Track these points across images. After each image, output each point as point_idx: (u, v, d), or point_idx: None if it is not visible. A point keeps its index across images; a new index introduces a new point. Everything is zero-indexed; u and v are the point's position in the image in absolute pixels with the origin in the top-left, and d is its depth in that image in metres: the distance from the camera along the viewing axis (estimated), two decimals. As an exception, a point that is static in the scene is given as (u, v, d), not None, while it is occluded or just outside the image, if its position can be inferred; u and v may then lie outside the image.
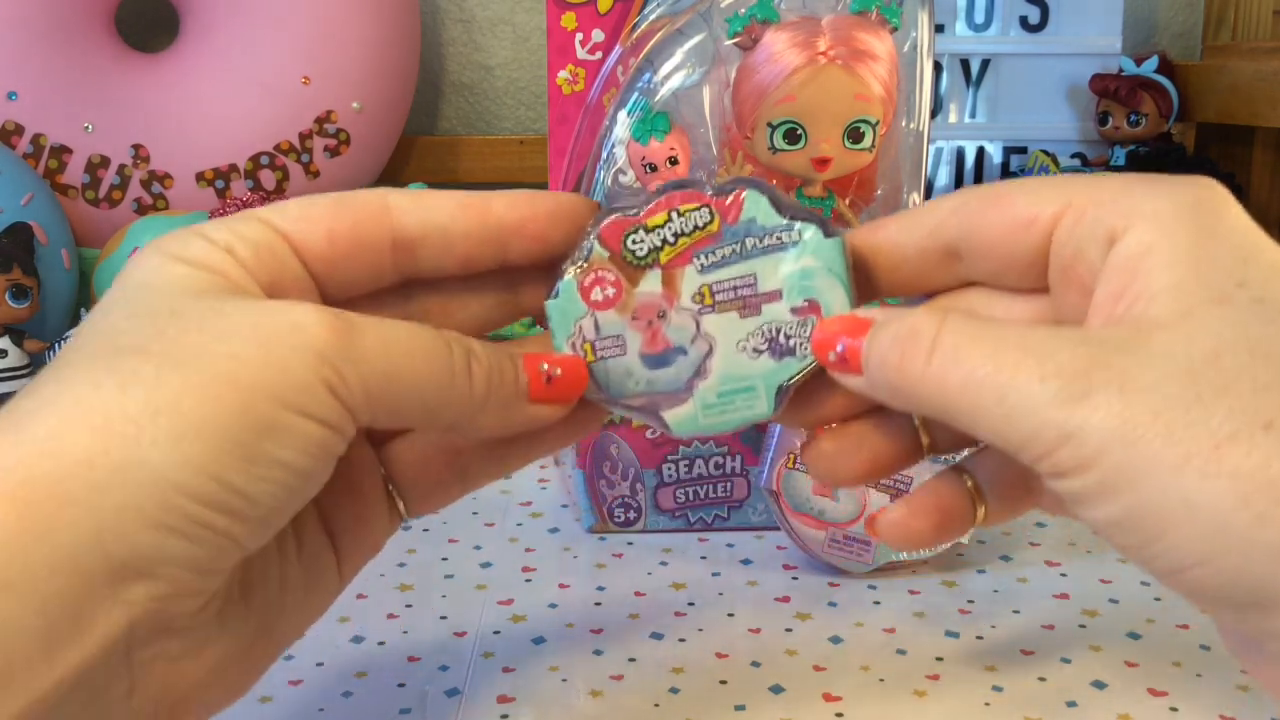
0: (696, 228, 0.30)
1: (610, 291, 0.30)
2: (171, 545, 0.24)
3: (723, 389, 0.31)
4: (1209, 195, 0.26)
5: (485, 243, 0.30)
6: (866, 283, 0.30)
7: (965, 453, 0.31)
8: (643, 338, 0.31)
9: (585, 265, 0.30)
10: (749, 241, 0.30)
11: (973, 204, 0.28)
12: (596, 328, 0.31)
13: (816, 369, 0.30)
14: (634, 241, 0.30)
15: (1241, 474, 0.22)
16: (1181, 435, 0.22)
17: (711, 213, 0.30)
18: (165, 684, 0.25)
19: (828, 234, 0.30)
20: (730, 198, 0.30)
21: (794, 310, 0.30)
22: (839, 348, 0.28)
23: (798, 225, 0.30)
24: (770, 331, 0.30)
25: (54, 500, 0.22)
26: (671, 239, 0.30)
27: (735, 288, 0.30)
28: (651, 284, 0.30)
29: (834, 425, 0.31)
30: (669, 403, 0.31)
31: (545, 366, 0.30)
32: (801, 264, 0.30)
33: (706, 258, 0.30)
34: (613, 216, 0.30)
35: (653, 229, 0.30)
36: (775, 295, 0.30)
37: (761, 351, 0.30)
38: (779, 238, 0.30)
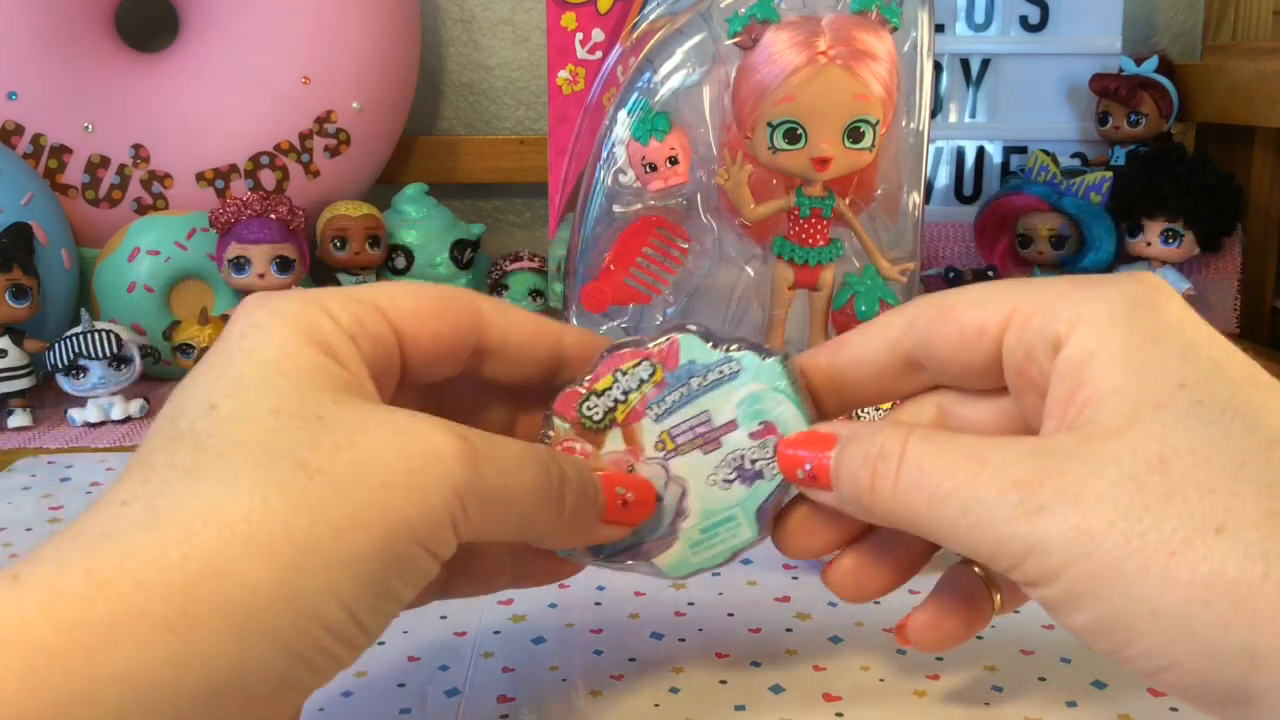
0: (642, 381, 0.32)
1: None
2: (298, 674, 0.24)
3: (705, 524, 0.32)
4: (1147, 294, 0.26)
5: (547, 369, 0.31)
6: (837, 400, 0.31)
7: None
8: None
9: (551, 439, 0.32)
10: (693, 382, 0.32)
11: (923, 318, 0.29)
12: None
13: (785, 483, 0.31)
14: (589, 408, 0.32)
15: (1198, 580, 0.22)
16: (1137, 544, 0.23)
17: (652, 365, 0.32)
18: None
19: (764, 356, 0.31)
20: (666, 346, 0.32)
21: (752, 435, 0.31)
22: (807, 467, 0.29)
23: (734, 355, 0.31)
24: (735, 460, 0.32)
25: (214, 628, 0.22)
26: (622, 397, 0.32)
27: (692, 428, 0.32)
28: (615, 443, 0.32)
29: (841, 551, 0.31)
30: (658, 549, 0.32)
31: (621, 490, 0.31)
32: (748, 390, 0.31)
33: (658, 407, 0.32)
34: (564, 390, 0.32)
35: (602, 393, 0.32)
36: (731, 425, 0.31)
37: (732, 481, 0.32)
38: (720, 371, 0.32)
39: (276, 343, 0.26)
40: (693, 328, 0.32)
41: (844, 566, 0.31)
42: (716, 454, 0.32)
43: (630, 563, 0.33)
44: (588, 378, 0.32)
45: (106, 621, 0.21)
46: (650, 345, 0.32)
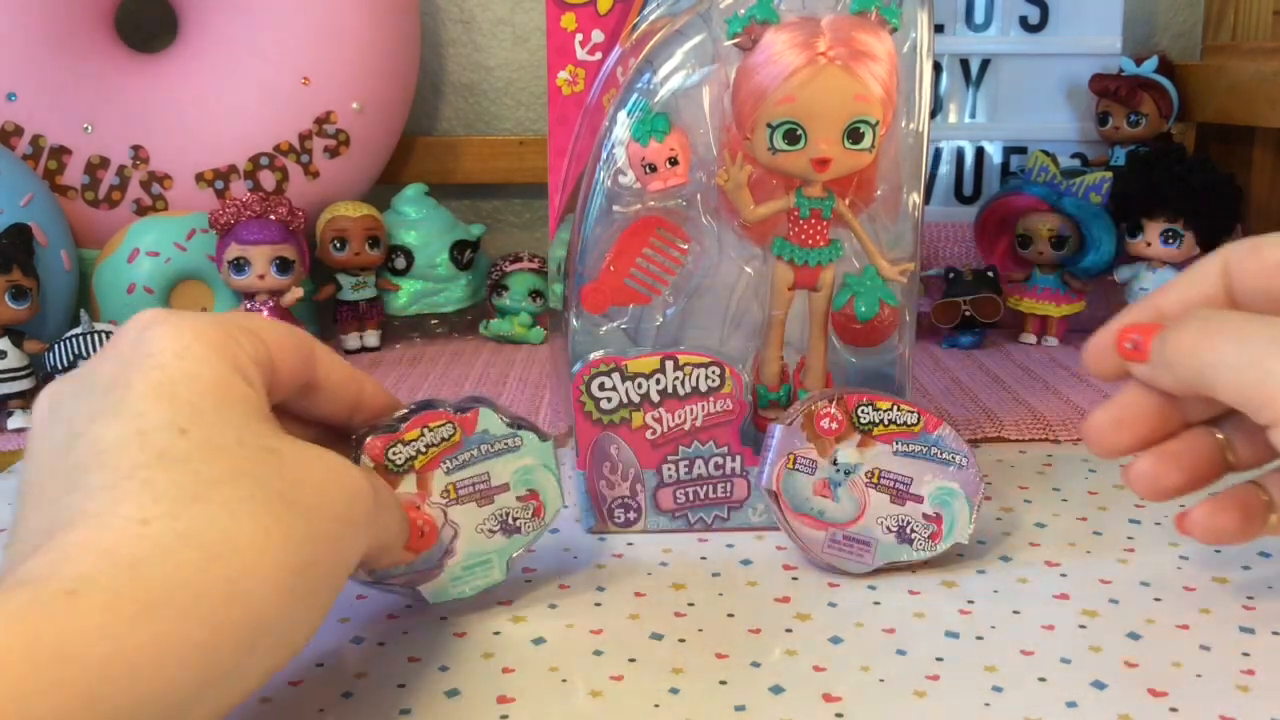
0: (444, 439, 0.38)
1: None
2: (253, 691, 0.27)
3: (467, 564, 0.39)
4: None
5: (351, 409, 0.37)
6: None
7: (1263, 470, 0.37)
8: None
9: None
10: (483, 447, 0.39)
11: (1235, 254, 0.36)
12: None
13: (535, 540, 0.40)
14: (394, 453, 0.38)
15: None
16: None
17: (454, 427, 0.39)
18: None
19: (543, 438, 0.40)
20: (469, 414, 0.39)
21: (519, 498, 0.40)
22: (1136, 338, 0.36)
23: (520, 433, 0.39)
24: (501, 515, 0.40)
25: (236, 649, 0.25)
26: (424, 449, 0.38)
27: (474, 484, 0.39)
28: (409, 485, 0.38)
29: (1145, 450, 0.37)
30: (424, 579, 0.39)
31: (421, 523, 0.38)
32: (523, 462, 0.39)
33: (451, 462, 0.39)
34: (374, 435, 0.37)
35: (409, 442, 0.38)
36: (504, 487, 0.39)
37: (495, 532, 0.39)
38: (506, 443, 0.39)
39: (211, 371, 0.29)
40: (493, 405, 0.39)
41: (1143, 465, 0.37)
42: (488, 508, 0.39)
43: (399, 585, 0.39)
44: (402, 426, 0.38)
45: (155, 648, 0.23)
46: (454, 411, 0.39)
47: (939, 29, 0.85)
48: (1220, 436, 0.37)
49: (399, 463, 0.38)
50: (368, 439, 0.37)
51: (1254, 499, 0.36)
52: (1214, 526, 0.36)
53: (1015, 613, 0.40)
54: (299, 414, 0.36)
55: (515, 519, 0.40)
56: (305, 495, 0.28)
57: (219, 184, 0.77)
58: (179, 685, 0.24)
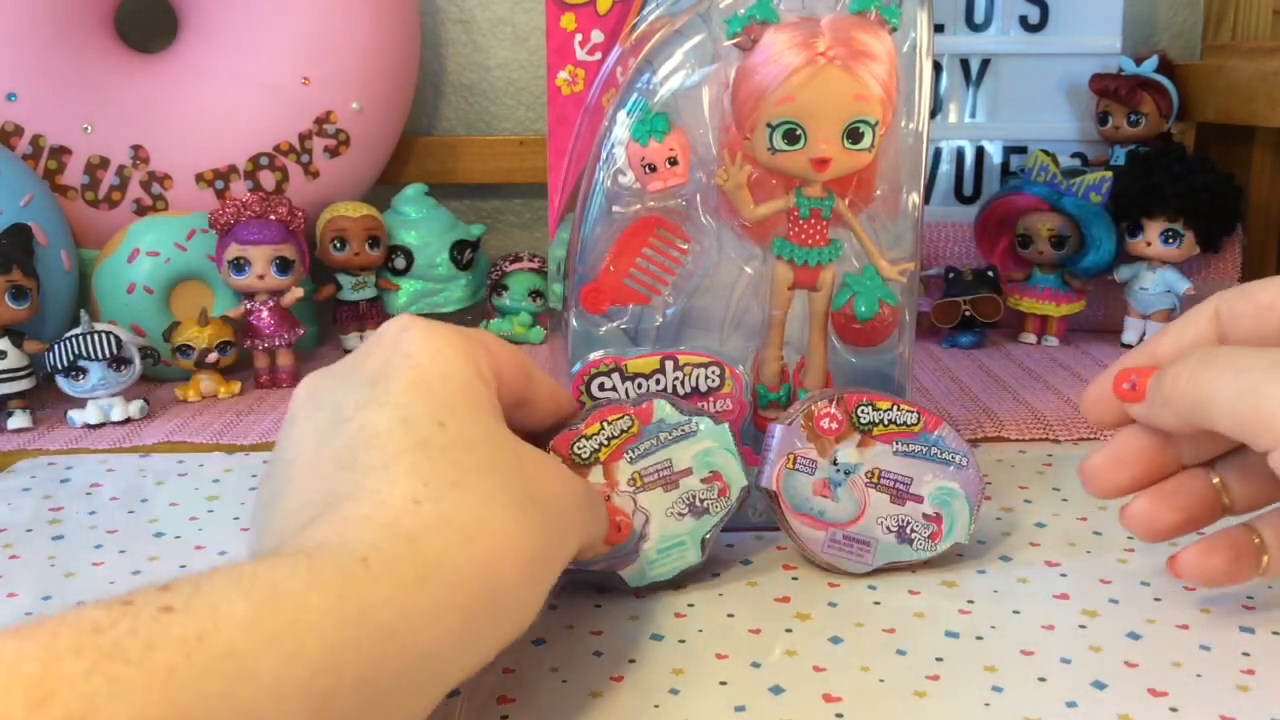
0: (623, 431, 0.41)
1: None
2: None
3: (661, 546, 0.41)
4: None
5: (556, 421, 0.40)
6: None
7: (1257, 513, 0.38)
8: None
9: None
10: (661, 435, 0.41)
11: (1226, 299, 0.37)
12: None
13: (723, 519, 0.41)
14: (579, 448, 0.40)
15: None
16: None
17: (632, 419, 0.41)
18: None
19: (717, 423, 0.41)
20: (644, 405, 0.41)
21: (703, 480, 0.41)
22: (1134, 379, 0.37)
23: (694, 419, 0.41)
24: (688, 498, 0.41)
25: (484, 619, 0.28)
26: (605, 441, 0.41)
27: (658, 470, 0.41)
28: (596, 476, 0.40)
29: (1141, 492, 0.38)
30: (623, 564, 0.41)
31: (619, 519, 0.40)
32: (702, 445, 0.41)
33: (634, 451, 0.41)
34: (560, 433, 0.40)
35: (591, 436, 0.41)
36: (687, 471, 0.41)
37: (684, 514, 0.41)
38: (683, 429, 0.41)
39: (460, 372, 0.32)
40: (666, 397, 0.41)
41: (1139, 505, 0.38)
42: (674, 493, 0.41)
43: (599, 570, 0.41)
44: (580, 424, 0.40)
45: (430, 610, 0.26)
46: (630, 404, 0.41)
47: (939, 29, 0.85)
48: (1216, 480, 0.38)
49: (584, 456, 0.40)
50: (554, 437, 0.40)
51: (1246, 541, 0.37)
52: (1205, 568, 0.37)
53: (1015, 613, 0.40)
54: (512, 426, 0.37)
55: (702, 500, 0.41)
56: (543, 492, 0.31)
57: (219, 184, 0.77)
58: (445, 647, 0.27)
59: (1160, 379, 0.36)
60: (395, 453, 0.29)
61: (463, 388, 0.32)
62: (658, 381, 0.45)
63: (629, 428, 0.41)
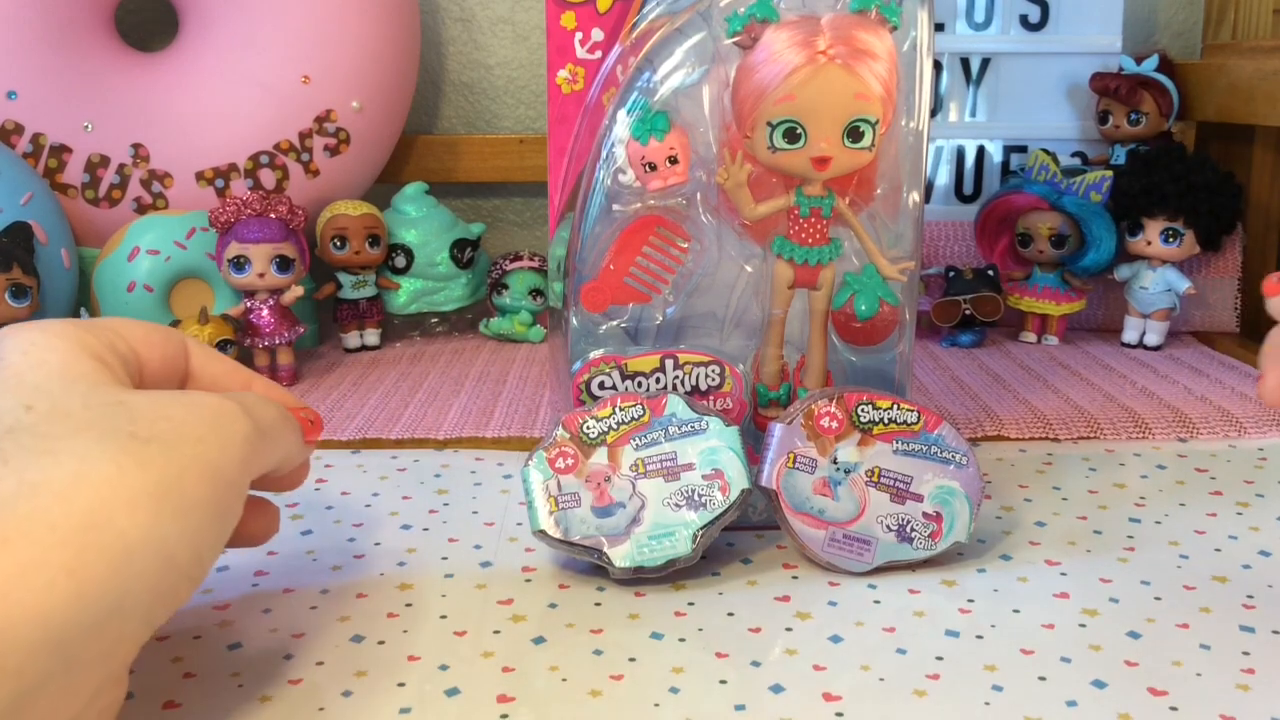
0: (634, 418, 0.42)
1: (569, 461, 0.42)
2: (156, 610, 0.29)
3: (653, 534, 0.41)
4: None
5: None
6: None
7: None
8: (593, 495, 0.42)
9: (552, 443, 0.42)
10: (671, 429, 0.42)
11: None
12: (559, 487, 0.42)
13: (720, 517, 0.41)
14: (587, 427, 0.42)
15: None
16: None
17: (644, 408, 0.42)
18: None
19: (727, 424, 0.42)
20: (658, 398, 0.42)
21: (704, 476, 0.42)
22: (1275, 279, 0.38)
23: (705, 418, 0.42)
24: (687, 491, 0.42)
25: (102, 571, 0.27)
26: (615, 426, 0.42)
27: (662, 461, 0.42)
28: (600, 457, 0.42)
29: None
30: (612, 543, 0.41)
31: (305, 414, 0.38)
32: (709, 443, 0.42)
33: (641, 440, 0.42)
34: (574, 411, 0.42)
35: (602, 419, 0.42)
36: (690, 466, 0.42)
37: (681, 506, 0.42)
38: (693, 425, 0.42)
39: (57, 356, 0.31)
40: (680, 395, 0.43)
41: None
42: (675, 484, 0.42)
43: (588, 546, 0.41)
44: (594, 405, 0.42)
45: (16, 572, 0.25)
46: (644, 394, 0.42)
47: (939, 27, 0.85)
48: None
49: (592, 436, 0.42)
50: (564, 415, 0.43)
51: None
52: None
53: (1015, 612, 0.40)
54: None
55: (701, 495, 0.42)
56: (159, 428, 0.30)
57: (219, 182, 0.77)
58: (51, 604, 0.26)
59: None
60: None
61: (61, 369, 0.31)
62: (658, 380, 0.45)
63: (640, 416, 0.42)
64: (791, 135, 0.42)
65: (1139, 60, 0.83)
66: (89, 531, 0.27)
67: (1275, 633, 0.39)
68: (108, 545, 0.27)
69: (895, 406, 0.43)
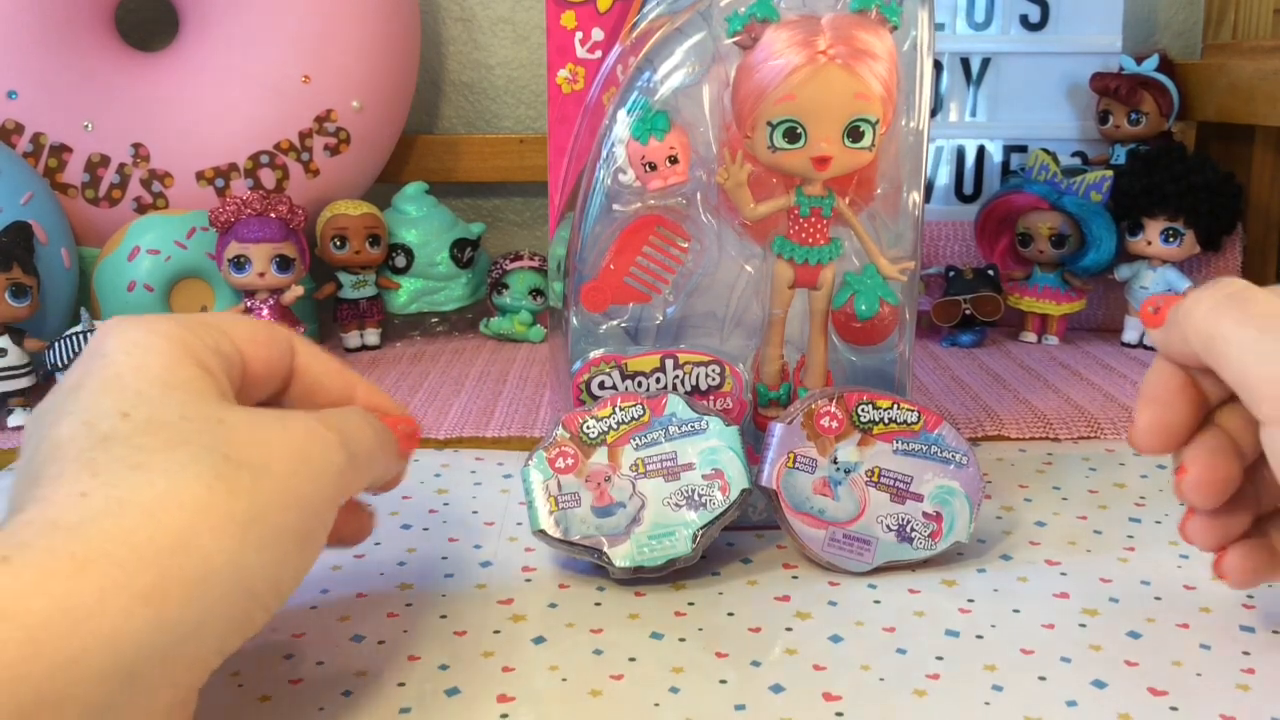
0: (634, 418, 0.42)
1: (569, 461, 0.42)
2: (231, 638, 0.28)
3: (653, 533, 0.41)
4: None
5: (340, 404, 0.37)
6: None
7: None
8: (593, 495, 0.42)
9: (552, 443, 0.42)
10: (671, 429, 0.42)
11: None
12: (559, 486, 0.42)
13: (720, 517, 0.41)
14: (588, 427, 0.42)
15: None
16: None
17: (644, 408, 0.42)
18: None
19: (727, 424, 0.42)
20: (658, 398, 0.42)
21: (704, 476, 0.42)
22: (1159, 303, 0.36)
23: (705, 418, 0.42)
24: (688, 491, 0.42)
25: (181, 598, 0.26)
26: (615, 425, 0.42)
27: (662, 461, 0.42)
28: (600, 457, 0.42)
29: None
30: (612, 543, 0.41)
31: (403, 427, 0.38)
32: (709, 444, 0.42)
33: (641, 440, 0.42)
34: (574, 411, 0.42)
35: (602, 419, 0.42)
36: (690, 466, 0.42)
37: (681, 506, 0.41)
38: (693, 425, 0.42)
39: (160, 359, 0.30)
40: (680, 395, 0.43)
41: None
42: (675, 484, 0.42)
43: (588, 545, 0.41)
44: (594, 405, 0.42)
45: (95, 597, 0.24)
46: (645, 394, 0.42)
47: (939, 27, 0.85)
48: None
49: (592, 436, 0.42)
50: (565, 414, 0.43)
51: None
52: (1247, 568, 0.36)
53: (1015, 611, 0.40)
54: (289, 403, 0.37)
55: (701, 495, 0.42)
56: (253, 453, 0.29)
57: (219, 182, 0.77)
58: (127, 630, 0.25)
59: (1179, 307, 0.35)
60: (74, 456, 0.28)
61: (161, 374, 0.30)
62: (658, 380, 0.45)
63: (640, 416, 0.42)
64: (792, 135, 0.42)
65: (1139, 60, 0.82)
66: (172, 555, 0.26)
67: (1275, 633, 0.39)
68: (189, 571, 0.26)
69: (895, 406, 0.43)
